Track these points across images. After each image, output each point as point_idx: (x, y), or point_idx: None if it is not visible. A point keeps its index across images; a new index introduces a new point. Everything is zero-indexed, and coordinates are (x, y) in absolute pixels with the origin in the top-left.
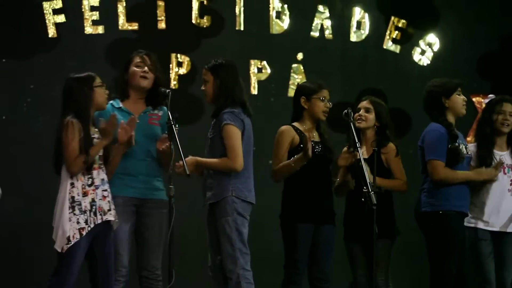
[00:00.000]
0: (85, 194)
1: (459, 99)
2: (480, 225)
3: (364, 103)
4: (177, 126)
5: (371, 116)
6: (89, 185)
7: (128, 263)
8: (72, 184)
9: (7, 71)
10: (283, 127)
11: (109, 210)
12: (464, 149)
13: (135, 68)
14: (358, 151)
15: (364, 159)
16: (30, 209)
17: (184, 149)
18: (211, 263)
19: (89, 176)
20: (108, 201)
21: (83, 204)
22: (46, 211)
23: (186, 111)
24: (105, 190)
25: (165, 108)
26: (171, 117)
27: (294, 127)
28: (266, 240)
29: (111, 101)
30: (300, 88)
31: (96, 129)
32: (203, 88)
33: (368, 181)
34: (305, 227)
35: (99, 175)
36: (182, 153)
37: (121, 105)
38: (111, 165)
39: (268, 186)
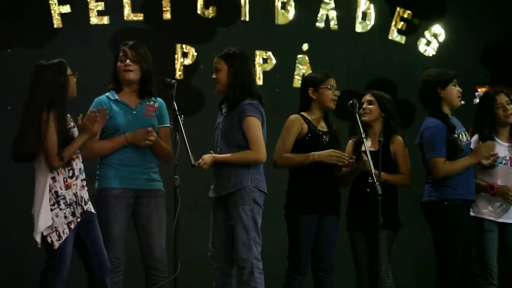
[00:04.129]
0: (67, 187)
1: (454, 90)
2: (487, 216)
3: (366, 97)
4: (182, 116)
5: (375, 108)
6: (70, 177)
7: (123, 252)
8: (53, 178)
9: (12, 61)
10: (293, 116)
11: (88, 199)
12: (463, 136)
13: (119, 63)
14: (363, 142)
15: (374, 151)
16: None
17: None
18: (213, 252)
19: (69, 168)
20: (86, 191)
21: (67, 197)
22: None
23: (188, 101)
24: (83, 179)
25: (159, 99)
26: (176, 108)
27: (303, 116)
28: (271, 231)
29: (106, 93)
30: (306, 79)
31: (71, 118)
32: (214, 76)
33: (373, 172)
34: (309, 218)
35: (77, 165)
36: (187, 143)
37: (117, 97)
38: (82, 153)
39: (274, 177)
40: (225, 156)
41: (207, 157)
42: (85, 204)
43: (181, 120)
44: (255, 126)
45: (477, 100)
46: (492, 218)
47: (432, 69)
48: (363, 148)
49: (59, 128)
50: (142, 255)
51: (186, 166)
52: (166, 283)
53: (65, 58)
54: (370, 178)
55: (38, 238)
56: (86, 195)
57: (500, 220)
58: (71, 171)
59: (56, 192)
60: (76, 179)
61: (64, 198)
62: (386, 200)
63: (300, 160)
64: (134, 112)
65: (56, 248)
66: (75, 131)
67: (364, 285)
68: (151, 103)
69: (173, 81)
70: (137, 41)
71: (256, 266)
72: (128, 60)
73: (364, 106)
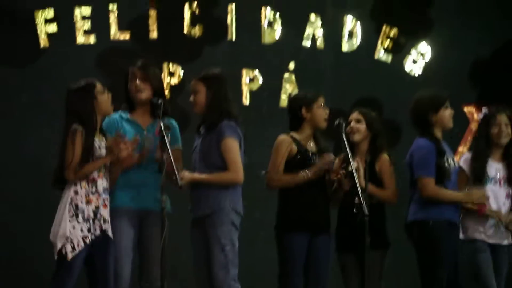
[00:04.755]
0: (88, 202)
1: (446, 113)
2: (478, 237)
3: (354, 115)
4: (168, 136)
5: (363, 127)
6: (93, 193)
7: (130, 276)
8: (75, 191)
9: None
10: (282, 136)
11: (108, 221)
12: (452, 163)
13: (129, 84)
14: (350, 162)
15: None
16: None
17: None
18: (200, 275)
19: (93, 183)
20: (108, 212)
21: (86, 212)
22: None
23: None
24: (106, 199)
25: (173, 121)
26: (163, 128)
27: (292, 137)
28: (259, 253)
29: (120, 112)
30: (297, 98)
31: (103, 138)
32: (191, 99)
33: (360, 192)
34: (301, 238)
35: (103, 183)
36: (174, 163)
37: (128, 116)
38: (111, 180)
39: (262, 197)
40: (203, 176)
41: (187, 174)
42: (104, 223)
43: (167, 140)
44: (233, 147)
45: (481, 116)
46: (483, 239)
47: (424, 92)
48: (349, 168)
49: (84, 145)
50: (139, 276)
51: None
52: None
53: (52, 77)
54: (356, 198)
55: (57, 247)
56: (106, 215)
57: (491, 241)
58: (94, 187)
59: (77, 205)
60: (99, 196)
61: (83, 212)
62: (374, 220)
63: (295, 181)
64: (145, 133)
65: (69, 259)
66: (102, 152)
67: None
68: (169, 128)
69: (160, 101)
70: (146, 60)
71: (233, 287)
72: (137, 80)
73: (352, 124)
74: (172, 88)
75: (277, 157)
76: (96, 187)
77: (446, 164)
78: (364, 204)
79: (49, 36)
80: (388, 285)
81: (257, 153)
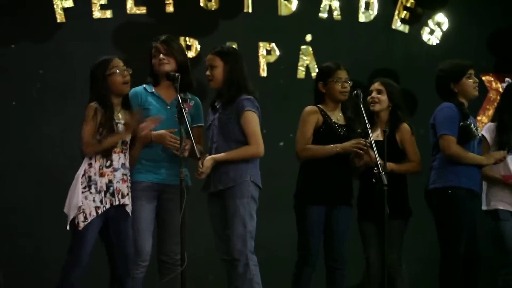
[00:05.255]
0: (102, 175)
1: (469, 83)
2: (501, 206)
3: (376, 85)
4: (186, 110)
5: (384, 98)
6: (107, 167)
7: (152, 248)
8: (89, 164)
9: (16, 57)
10: (309, 107)
11: (127, 194)
12: (474, 130)
13: (153, 60)
14: (369, 133)
15: (380, 141)
16: (33, 194)
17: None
18: (221, 245)
19: (108, 158)
20: (127, 186)
21: (99, 184)
22: (50, 195)
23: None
24: (125, 174)
25: (196, 98)
26: (180, 101)
27: (319, 107)
28: (277, 224)
29: (144, 85)
30: (317, 72)
31: (124, 114)
32: (208, 73)
33: (378, 162)
34: (317, 209)
35: (120, 159)
36: (192, 135)
37: (153, 90)
38: (131, 156)
39: (279, 169)
40: (224, 155)
41: (206, 161)
42: (123, 197)
43: (185, 113)
44: (253, 120)
45: (504, 86)
46: (507, 208)
47: (446, 62)
48: (368, 139)
49: (103, 123)
50: (157, 248)
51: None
52: (175, 276)
53: (68, 53)
54: (375, 168)
55: (69, 217)
56: (125, 190)
57: None
58: (108, 162)
59: (90, 177)
60: (115, 170)
61: (96, 184)
62: (395, 190)
63: (323, 152)
64: (169, 108)
65: (80, 229)
66: (121, 128)
67: (373, 276)
68: (187, 101)
69: (177, 74)
70: (170, 35)
71: (251, 258)
72: (161, 55)
73: (373, 95)
74: (190, 61)
75: (305, 127)
76: (111, 161)
77: (470, 127)
78: (382, 174)
79: (66, 11)
80: (407, 253)
81: (274, 125)
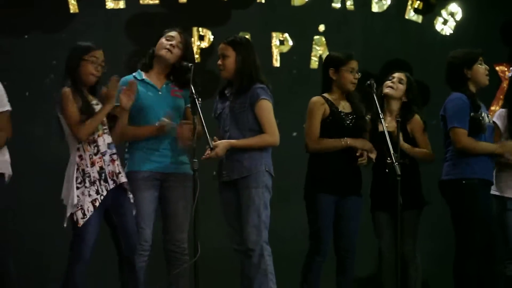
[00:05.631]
0: (92, 164)
1: (481, 69)
2: (509, 194)
3: (400, 74)
4: (199, 99)
5: (402, 87)
6: (95, 154)
7: (152, 237)
8: (80, 156)
9: (29, 47)
10: (314, 98)
11: (119, 173)
12: (486, 118)
13: (163, 40)
14: (382, 123)
15: (390, 131)
16: (50, 185)
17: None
18: (234, 236)
19: (94, 144)
20: (117, 164)
21: (92, 174)
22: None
23: (205, 85)
24: (114, 154)
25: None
26: (194, 91)
27: (324, 97)
28: (290, 214)
29: (133, 73)
30: (328, 59)
31: (95, 98)
32: (220, 62)
33: (392, 152)
34: (327, 198)
35: (105, 140)
36: (205, 126)
37: (144, 77)
38: (118, 129)
39: (292, 159)
40: (241, 141)
41: (222, 143)
42: (116, 177)
43: (198, 103)
44: (268, 109)
45: (511, 74)
46: None
47: (457, 50)
48: (380, 129)
49: (82, 105)
50: (164, 239)
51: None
52: (188, 266)
53: None
54: (388, 159)
55: (67, 214)
56: (116, 169)
57: None
58: (95, 148)
59: (83, 170)
60: (103, 155)
61: (89, 176)
62: (409, 180)
63: (333, 145)
64: (160, 93)
65: (80, 226)
66: (99, 107)
67: (386, 265)
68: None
69: (190, 64)
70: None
71: (265, 248)
72: (174, 41)
73: (394, 80)
74: (203, 51)
75: (312, 119)
76: (97, 147)
77: (480, 118)
78: (396, 164)
79: (79, 1)
80: (422, 244)
81: (287, 115)
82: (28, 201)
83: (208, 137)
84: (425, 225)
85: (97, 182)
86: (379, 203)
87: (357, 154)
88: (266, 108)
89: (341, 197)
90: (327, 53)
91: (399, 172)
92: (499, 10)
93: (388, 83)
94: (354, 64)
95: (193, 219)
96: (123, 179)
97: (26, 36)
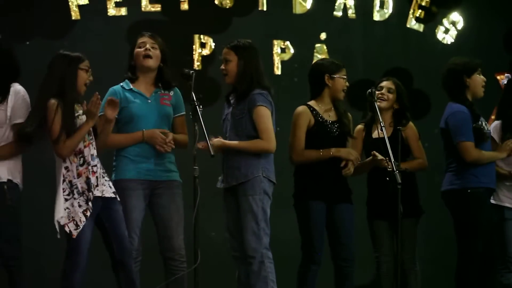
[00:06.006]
0: (79, 175)
1: (479, 79)
2: (508, 204)
3: (388, 83)
4: (201, 107)
5: (392, 97)
6: (81, 165)
7: (140, 244)
8: (66, 168)
9: (30, 53)
10: (300, 108)
11: (97, 185)
12: (485, 127)
13: (137, 49)
14: (383, 131)
15: (383, 138)
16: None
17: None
18: (233, 243)
19: (81, 155)
20: (96, 177)
21: (79, 185)
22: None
23: (206, 92)
24: (95, 166)
25: (176, 89)
26: (195, 98)
27: (310, 107)
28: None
29: (121, 83)
30: (322, 65)
31: (81, 107)
32: (223, 67)
33: (392, 160)
34: (318, 205)
35: (90, 151)
36: (206, 133)
37: (131, 86)
38: (100, 141)
39: (291, 166)
40: (234, 142)
41: (216, 140)
42: (99, 188)
43: (199, 110)
44: (265, 115)
45: (505, 82)
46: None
47: (458, 57)
48: (374, 135)
49: (65, 117)
50: (160, 246)
51: (204, 156)
52: (186, 273)
53: (83, 50)
54: (389, 167)
55: (57, 228)
56: (95, 181)
57: None
58: (81, 159)
59: (70, 181)
60: (88, 165)
61: (77, 187)
62: (406, 188)
63: (317, 157)
64: (149, 101)
65: (74, 237)
66: (83, 119)
67: (385, 275)
68: (166, 91)
69: (191, 71)
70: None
71: (266, 255)
72: (148, 45)
73: (383, 91)
74: (204, 58)
75: (298, 130)
76: (83, 158)
77: (482, 127)
78: (396, 173)
79: (81, 8)
80: (421, 253)
81: (287, 123)
82: (29, 203)
83: (209, 145)
84: (423, 232)
85: (86, 192)
86: (377, 211)
87: (341, 165)
88: (262, 114)
89: (332, 204)
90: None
91: (399, 180)
92: (500, 19)
93: (378, 94)
94: (345, 72)
95: (194, 227)
96: (106, 190)
97: (27, 43)
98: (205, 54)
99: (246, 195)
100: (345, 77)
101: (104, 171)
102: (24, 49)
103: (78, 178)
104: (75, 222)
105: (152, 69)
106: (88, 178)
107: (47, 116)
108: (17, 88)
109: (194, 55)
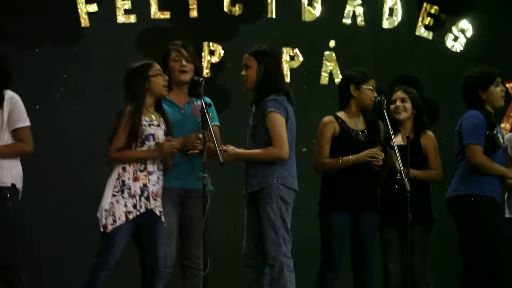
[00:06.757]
0: (136, 179)
1: (496, 91)
2: None
3: (399, 94)
4: (210, 114)
5: (408, 105)
6: (141, 171)
7: (174, 254)
8: (124, 168)
9: (39, 61)
10: (326, 118)
11: (155, 200)
12: (500, 139)
13: (172, 63)
14: (392, 138)
15: (403, 146)
16: (57, 195)
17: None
18: (247, 250)
19: (143, 161)
20: (159, 188)
21: (133, 188)
22: (70, 199)
23: (215, 99)
24: (159, 177)
25: (207, 98)
26: (204, 106)
27: (336, 116)
28: (303, 228)
29: None
30: (349, 76)
31: (159, 116)
32: (243, 73)
33: (401, 168)
34: (341, 216)
35: (155, 161)
36: (215, 141)
37: (166, 96)
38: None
39: (305, 173)
40: (246, 152)
41: (231, 148)
42: (155, 200)
43: (209, 118)
44: (278, 122)
45: None
46: None
47: (474, 69)
48: (391, 144)
49: (131, 124)
50: (180, 253)
51: (214, 164)
52: (200, 280)
53: (92, 57)
54: (398, 175)
55: (100, 220)
56: (160, 192)
57: None
58: (143, 165)
59: (123, 181)
60: (150, 174)
61: (130, 188)
62: (419, 196)
63: (338, 165)
64: (183, 111)
65: (108, 231)
66: (152, 129)
67: (393, 284)
68: (199, 102)
69: (201, 79)
70: (185, 41)
71: (285, 264)
72: (183, 61)
73: (397, 104)
74: (213, 66)
75: (322, 140)
76: (145, 165)
77: (496, 136)
78: (405, 180)
79: (90, 15)
80: (431, 261)
81: (297, 131)
82: (32, 207)
83: (219, 153)
84: (438, 241)
85: (137, 197)
86: (388, 219)
87: (368, 157)
88: (274, 120)
89: (356, 214)
90: (338, 69)
91: (408, 188)
92: (509, 27)
93: (393, 108)
94: (373, 83)
95: (203, 234)
96: (156, 207)
97: (37, 50)
98: (214, 61)
99: (264, 204)
100: (373, 87)
101: (160, 187)
102: (34, 56)
103: (134, 181)
104: (113, 218)
105: (187, 82)
106: (145, 186)
107: (117, 121)
108: (10, 94)
109: (203, 63)
